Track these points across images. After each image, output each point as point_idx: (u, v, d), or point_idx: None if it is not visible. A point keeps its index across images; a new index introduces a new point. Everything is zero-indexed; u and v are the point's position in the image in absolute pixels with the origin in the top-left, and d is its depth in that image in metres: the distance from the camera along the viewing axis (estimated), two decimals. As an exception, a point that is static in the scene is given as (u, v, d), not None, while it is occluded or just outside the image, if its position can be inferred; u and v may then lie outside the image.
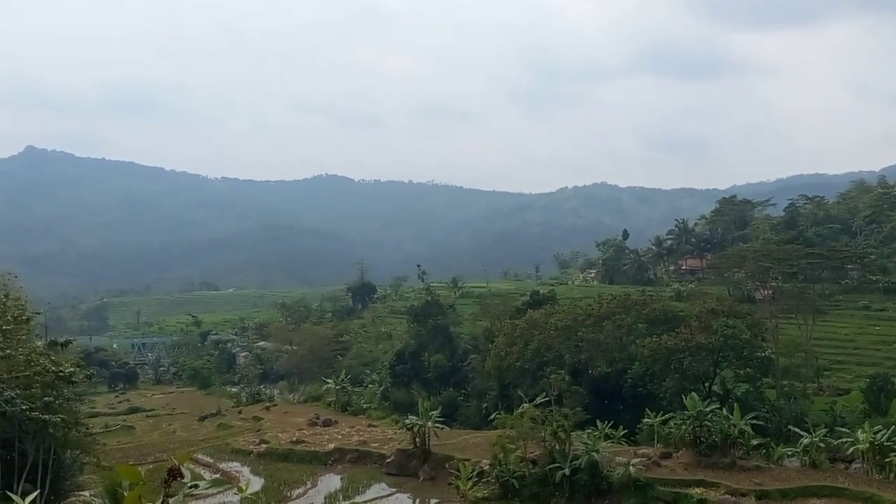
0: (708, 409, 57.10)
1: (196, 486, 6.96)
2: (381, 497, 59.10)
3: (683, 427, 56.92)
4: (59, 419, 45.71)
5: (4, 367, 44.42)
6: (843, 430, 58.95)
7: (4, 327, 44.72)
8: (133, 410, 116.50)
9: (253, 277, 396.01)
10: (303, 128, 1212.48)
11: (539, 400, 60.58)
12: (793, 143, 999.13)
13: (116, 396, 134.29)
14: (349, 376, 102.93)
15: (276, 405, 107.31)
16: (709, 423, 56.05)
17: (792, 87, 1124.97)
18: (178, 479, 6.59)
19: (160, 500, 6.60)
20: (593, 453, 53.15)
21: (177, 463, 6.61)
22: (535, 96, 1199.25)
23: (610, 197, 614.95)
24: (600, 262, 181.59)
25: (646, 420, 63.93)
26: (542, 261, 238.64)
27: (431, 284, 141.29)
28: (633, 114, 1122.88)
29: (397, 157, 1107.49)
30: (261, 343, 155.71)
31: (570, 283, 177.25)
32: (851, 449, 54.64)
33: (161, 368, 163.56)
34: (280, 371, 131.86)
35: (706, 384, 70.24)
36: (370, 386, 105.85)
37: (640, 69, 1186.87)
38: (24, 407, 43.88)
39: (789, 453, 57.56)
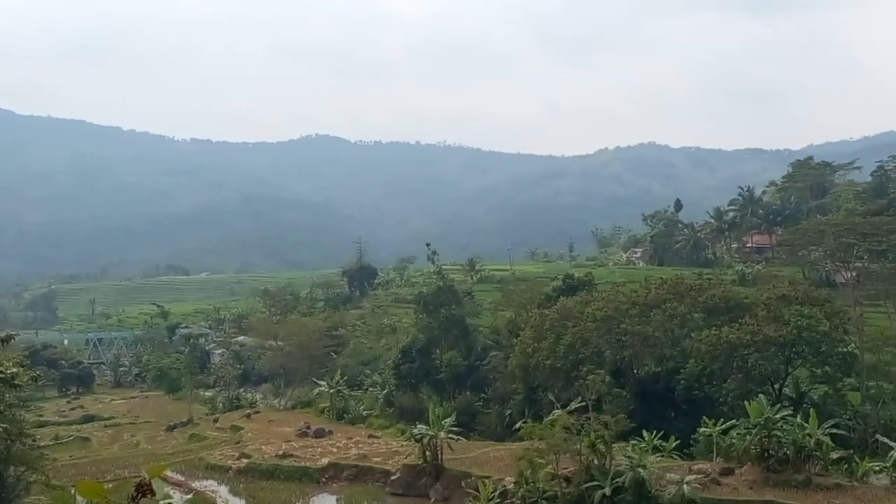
0: (778, 416, 57.29)
1: (169, 505, 7.07)
2: (385, 522, 57.64)
3: (748, 437, 57.19)
4: (-1, 429, 45.82)
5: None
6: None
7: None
8: (88, 419, 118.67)
9: (230, 259, 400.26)
10: (288, 77, 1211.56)
11: (574, 405, 61.36)
12: (883, 93, 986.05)
13: (69, 402, 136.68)
14: (345, 378, 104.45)
15: (258, 412, 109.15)
16: (779, 433, 56.33)
17: (886, 23, 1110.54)
18: (149, 496, 6.67)
19: (126, 522, 6.68)
20: (639, 469, 53.61)
21: (147, 477, 6.71)
22: (571, 36, 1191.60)
23: (660, 160, 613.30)
24: (648, 238, 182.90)
25: (702, 429, 64.23)
26: (577, 238, 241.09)
27: (444, 267, 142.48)
28: (690, 57, 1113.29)
29: (403, 113, 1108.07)
30: (240, 338, 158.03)
31: (610, 264, 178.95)
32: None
33: (121, 369, 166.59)
34: (263, 371, 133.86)
35: (776, 386, 70.32)
36: (371, 389, 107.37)
37: (700, 1, 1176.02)
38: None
39: (877, 469, 56.91)
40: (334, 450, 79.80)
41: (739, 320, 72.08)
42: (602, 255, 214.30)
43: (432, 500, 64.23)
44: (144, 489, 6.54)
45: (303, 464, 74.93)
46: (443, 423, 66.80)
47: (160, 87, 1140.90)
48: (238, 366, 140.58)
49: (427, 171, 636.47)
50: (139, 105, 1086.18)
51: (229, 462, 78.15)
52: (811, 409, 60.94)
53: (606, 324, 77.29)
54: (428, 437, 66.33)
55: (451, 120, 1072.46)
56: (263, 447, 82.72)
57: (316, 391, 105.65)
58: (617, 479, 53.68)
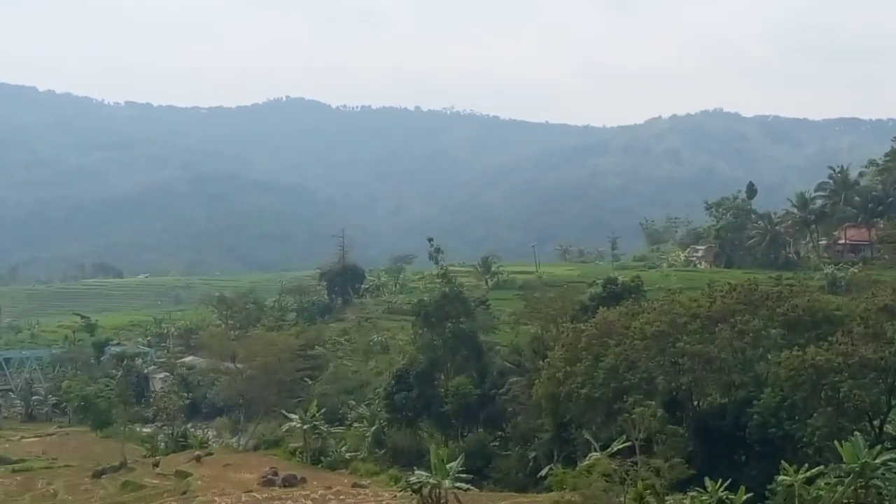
0: (878, 461, 57.06)
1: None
2: None
3: (840, 488, 56.96)
4: None
5: None
6: None
7: None
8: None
9: (176, 257, 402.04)
10: (251, 25, 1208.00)
11: (616, 446, 62.73)
12: None
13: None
14: (323, 410, 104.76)
15: (211, 454, 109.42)
16: (879, 482, 56.20)
17: None
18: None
19: None
20: (700, 529, 51.09)
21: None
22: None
23: (728, 132, 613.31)
24: (712, 233, 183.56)
25: (781, 477, 63.56)
26: (621, 231, 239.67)
27: (451, 268, 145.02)
28: (768, 4, 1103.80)
29: (399, 70, 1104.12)
30: (188, 359, 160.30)
31: (664, 266, 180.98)
32: None
33: (35, 398, 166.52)
34: (217, 402, 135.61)
35: (875, 422, 69.99)
36: (356, 425, 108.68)
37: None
38: None
39: None
40: (309, 503, 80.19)
41: (829, 338, 71.89)
42: (653, 253, 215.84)
43: (434, 568, 61.79)
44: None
45: (269, 521, 71.29)
46: (448, 468, 67.46)
47: (86, 37, 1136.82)
48: (185, 394, 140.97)
49: (430, 144, 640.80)
50: (59, 59, 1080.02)
51: (174, 518, 74.00)
52: (921, 453, 57.48)
53: (658, 342, 77.17)
54: (429, 487, 66.79)
55: (460, 81, 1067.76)
56: (217, 499, 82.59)
57: (285, 427, 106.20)
58: (671, 542, 51.46)
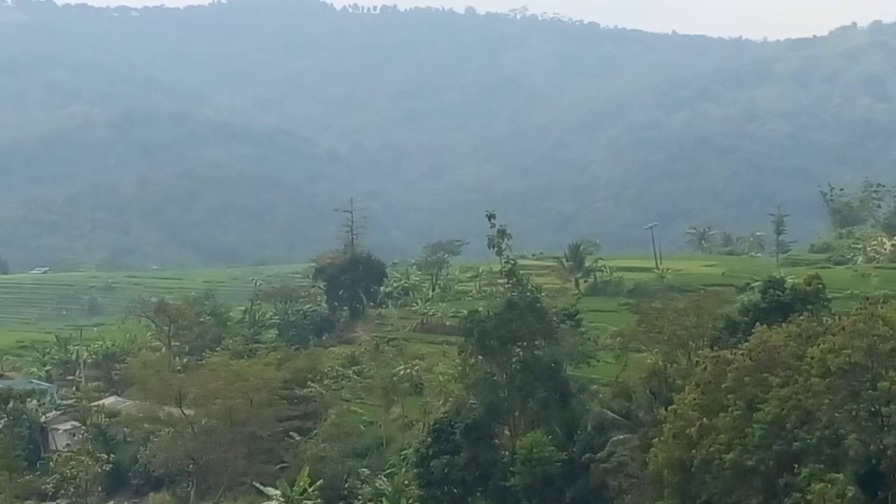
0: None
1: None
2: None
3: None
4: None
5: None
6: None
7: None
8: None
9: (90, 241, 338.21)
10: None
11: None
12: None
13: None
14: (320, 483, 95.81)
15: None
16: None
17: None
18: None
19: None
20: None
21: None
22: None
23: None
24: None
25: None
26: (791, 205, 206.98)
27: (521, 262, 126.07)
28: None
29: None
30: (109, 400, 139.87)
31: (859, 260, 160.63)
32: None
33: None
34: (155, 469, 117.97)
35: None
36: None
37: None
38: None
39: None
40: None
41: None
42: (842, 241, 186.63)
43: None
44: None
45: None
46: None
47: None
48: (104, 456, 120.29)
49: (488, 68, 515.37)
50: None
51: None
52: None
53: (850, 381, 65.80)
54: None
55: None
56: None
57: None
58: None
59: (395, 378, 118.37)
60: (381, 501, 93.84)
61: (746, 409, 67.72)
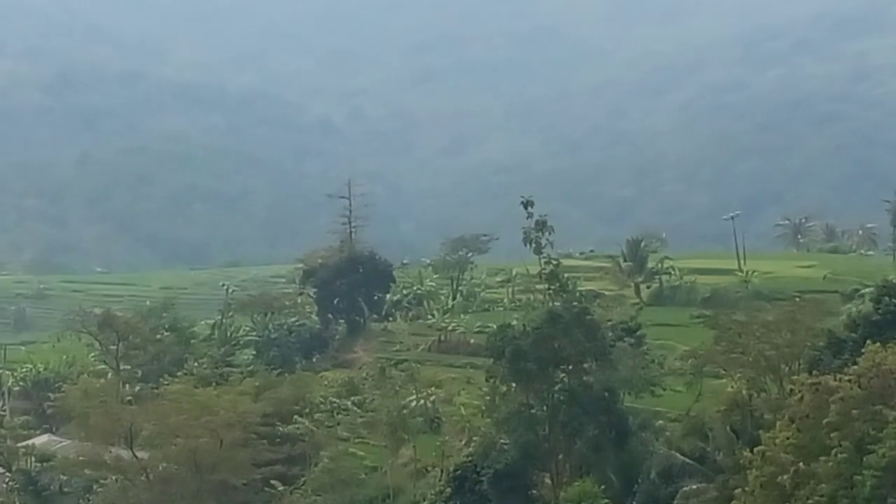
0: None
1: None
2: None
3: None
4: None
5: None
6: None
7: None
8: None
9: (16, 236, 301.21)
10: None
11: None
12: None
13: None
14: None
15: None
16: None
17: None
18: None
19: None
20: None
21: None
22: None
23: None
24: None
25: None
26: None
27: (566, 262, 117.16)
28: None
29: None
30: (40, 440, 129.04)
31: None
32: None
33: None
34: None
35: None
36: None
37: None
38: None
39: None
40: None
41: None
42: None
43: None
44: None
45: None
46: None
47: None
48: None
49: (523, 10, 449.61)
50: None
51: None
52: None
53: None
54: None
55: None
56: None
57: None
58: None
59: (405, 411, 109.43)
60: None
61: (855, 452, 60.67)
